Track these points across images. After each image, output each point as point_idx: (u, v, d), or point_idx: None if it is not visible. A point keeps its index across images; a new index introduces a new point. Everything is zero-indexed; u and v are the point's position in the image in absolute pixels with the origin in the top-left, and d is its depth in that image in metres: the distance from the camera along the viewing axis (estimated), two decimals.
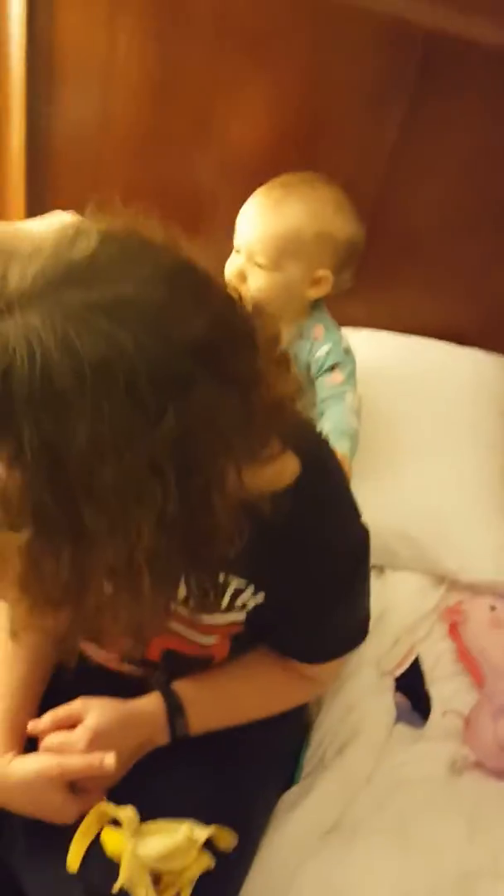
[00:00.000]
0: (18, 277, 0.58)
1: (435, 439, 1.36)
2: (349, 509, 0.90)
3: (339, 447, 1.13)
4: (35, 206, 1.33)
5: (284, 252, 1.10)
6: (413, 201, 1.35)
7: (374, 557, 1.31)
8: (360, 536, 0.91)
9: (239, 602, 0.89)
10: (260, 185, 1.32)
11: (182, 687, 0.93)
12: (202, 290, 0.63)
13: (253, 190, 1.32)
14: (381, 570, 1.33)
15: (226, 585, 0.86)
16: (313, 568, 0.85)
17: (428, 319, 1.52)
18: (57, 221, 1.01)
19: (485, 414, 1.41)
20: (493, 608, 1.24)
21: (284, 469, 0.79)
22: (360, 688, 1.17)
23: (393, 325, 1.52)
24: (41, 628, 0.71)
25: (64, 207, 1.35)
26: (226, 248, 1.39)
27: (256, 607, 0.89)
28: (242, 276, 1.14)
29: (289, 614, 0.89)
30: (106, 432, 0.56)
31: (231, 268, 1.15)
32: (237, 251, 1.15)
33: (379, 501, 1.28)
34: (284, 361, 0.74)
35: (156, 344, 0.57)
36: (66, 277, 0.58)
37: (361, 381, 1.42)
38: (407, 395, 1.40)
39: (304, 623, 0.90)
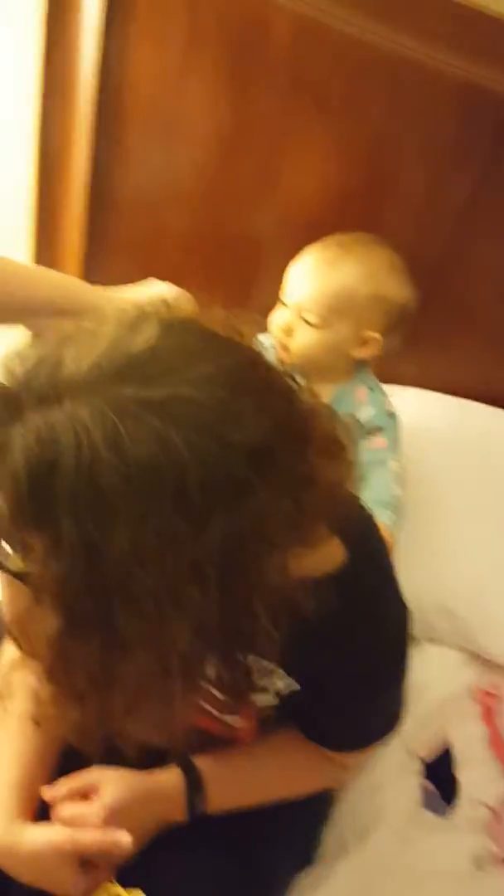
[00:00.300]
0: (73, 366, 0.56)
1: (480, 510, 1.32)
2: (393, 598, 0.86)
3: (383, 518, 1.10)
4: (94, 250, 1.33)
5: (336, 310, 1.09)
6: (474, 268, 1.32)
7: (413, 629, 1.28)
8: (402, 627, 0.87)
9: (270, 685, 0.86)
10: (319, 238, 1.30)
11: (203, 763, 0.90)
12: (264, 393, 0.60)
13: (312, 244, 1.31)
14: (416, 641, 1.29)
15: (260, 671, 0.83)
16: (353, 660, 0.81)
17: (479, 384, 1.48)
18: (154, 290, 1.03)
19: None
20: None
21: (330, 555, 0.76)
22: (386, 767, 1.13)
23: (444, 387, 1.49)
24: (63, 719, 0.68)
25: (123, 252, 1.35)
26: (274, 302, 1.38)
27: (291, 693, 0.86)
28: (289, 331, 1.12)
29: (323, 703, 0.86)
30: (148, 537, 0.54)
31: (278, 322, 1.13)
32: (285, 306, 1.14)
33: (419, 572, 1.25)
34: (339, 449, 0.71)
35: (210, 448, 0.55)
36: (122, 370, 0.56)
37: (407, 442, 1.39)
38: (453, 461, 1.37)
39: (338, 712, 0.87)
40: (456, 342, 1.44)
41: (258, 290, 1.37)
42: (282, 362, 1.15)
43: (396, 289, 1.11)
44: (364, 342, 1.12)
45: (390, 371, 1.49)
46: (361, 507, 0.90)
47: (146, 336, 0.58)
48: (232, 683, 0.73)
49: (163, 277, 1.39)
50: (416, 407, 1.45)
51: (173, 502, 0.54)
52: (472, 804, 1.12)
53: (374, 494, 1.12)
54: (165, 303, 0.66)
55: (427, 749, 1.16)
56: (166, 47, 1.13)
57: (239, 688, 0.74)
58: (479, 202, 1.23)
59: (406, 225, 1.29)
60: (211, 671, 0.72)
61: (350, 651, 0.81)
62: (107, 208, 1.28)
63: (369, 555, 0.83)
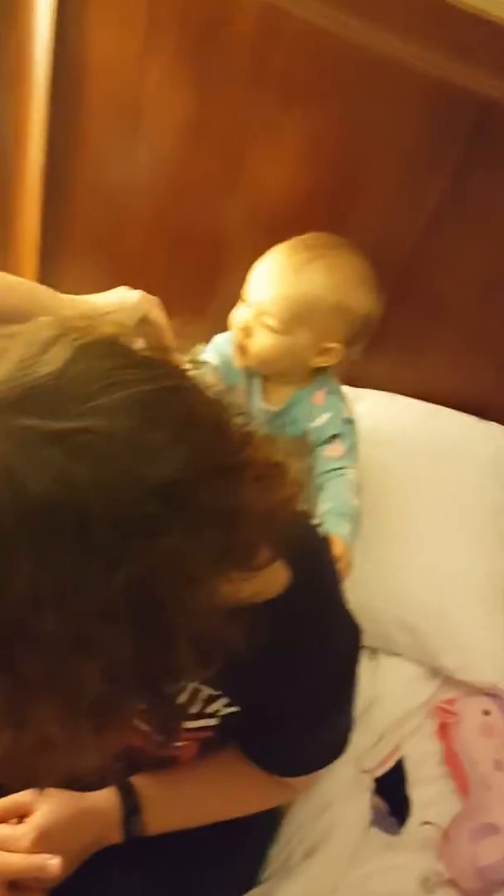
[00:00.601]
0: None
1: (446, 521, 1.29)
2: (338, 621, 0.84)
3: (340, 530, 1.07)
4: (51, 243, 1.27)
5: (297, 317, 1.04)
6: (446, 270, 1.27)
7: (369, 640, 1.26)
8: (347, 651, 0.85)
9: (211, 709, 0.83)
10: (286, 236, 1.26)
11: (142, 783, 0.88)
12: (184, 422, 0.56)
13: (279, 240, 1.26)
14: (374, 652, 1.27)
15: (195, 695, 0.81)
16: (295, 686, 0.79)
17: (451, 388, 1.45)
18: (120, 297, 0.98)
19: (501, 498, 1.33)
20: (486, 712, 1.17)
21: (272, 580, 0.73)
22: (336, 785, 1.11)
23: (415, 390, 1.45)
24: None
25: (81, 245, 1.30)
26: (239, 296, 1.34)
27: (230, 715, 0.83)
28: (248, 332, 1.08)
29: (264, 727, 0.84)
30: (49, 579, 0.50)
31: (237, 321, 1.10)
32: (246, 304, 1.09)
33: (380, 583, 1.24)
34: (277, 475, 0.67)
35: (118, 484, 0.51)
36: (25, 398, 0.51)
37: (374, 447, 1.36)
38: (421, 468, 1.33)
39: (280, 738, 0.85)
40: (427, 344, 1.40)
41: (223, 284, 1.32)
42: (239, 362, 1.12)
43: (362, 300, 1.06)
44: (324, 352, 1.08)
45: (361, 373, 1.45)
46: (310, 527, 0.87)
47: (56, 359, 0.53)
48: (159, 719, 0.70)
49: (125, 271, 1.35)
50: (384, 411, 1.42)
51: (77, 543, 0.50)
52: (424, 825, 1.10)
53: (332, 505, 1.09)
54: (90, 319, 0.62)
55: (379, 765, 1.14)
56: (125, 33, 1.07)
57: (167, 724, 0.71)
58: (453, 201, 1.18)
59: (376, 222, 1.23)
60: (139, 705, 0.69)
61: (292, 677, 0.78)
62: (64, 200, 1.23)
63: (315, 577, 0.80)
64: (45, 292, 0.95)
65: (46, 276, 1.31)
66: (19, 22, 1.07)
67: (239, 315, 1.10)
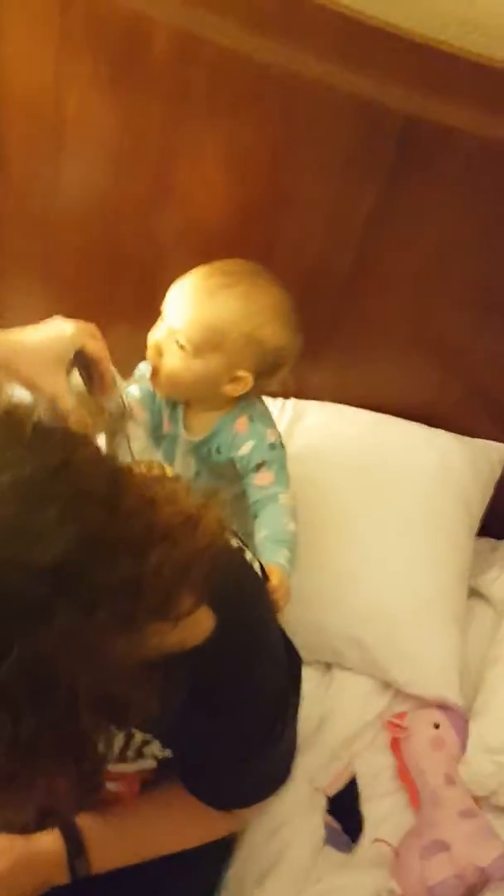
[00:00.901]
0: None
1: (392, 533, 1.28)
2: (266, 661, 0.84)
3: (278, 558, 1.06)
4: None
5: (208, 342, 1.03)
6: (386, 277, 1.26)
7: (321, 655, 1.27)
8: (276, 688, 0.85)
9: (147, 752, 0.84)
10: (221, 254, 1.25)
11: (86, 824, 0.89)
12: (71, 501, 0.55)
13: (214, 258, 1.25)
14: (327, 667, 1.28)
15: (129, 739, 0.81)
16: (224, 729, 0.80)
17: (397, 395, 1.44)
18: (55, 330, 0.95)
19: (448, 507, 1.33)
20: (436, 725, 1.18)
21: (197, 626, 0.73)
22: (289, 805, 1.13)
23: (362, 399, 1.45)
24: None
25: (12, 272, 1.28)
26: None
27: (166, 758, 0.83)
28: (160, 351, 1.07)
29: (201, 766, 0.84)
30: None
31: (151, 340, 1.08)
32: (163, 320, 1.09)
33: (328, 598, 1.25)
34: (190, 526, 0.67)
35: (4, 570, 0.51)
36: None
37: (321, 458, 1.36)
38: (367, 479, 1.33)
39: (218, 775, 0.86)
40: (371, 353, 1.40)
41: (162, 303, 1.32)
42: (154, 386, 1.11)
43: (276, 333, 1.05)
44: (235, 379, 1.07)
45: (308, 384, 1.45)
46: (235, 563, 0.86)
47: None
48: (78, 777, 0.70)
49: (58, 295, 1.34)
50: (330, 424, 1.42)
51: None
52: (376, 843, 1.11)
53: (268, 532, 1.09)
54: None
55: (332, 783, 1.14)
56: (38, 62, 1.05)
57: (87, 784, 0.70)
58: (385, 215, 1.16)
59: (310, 238, 1.22)
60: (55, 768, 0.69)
61: (220, 720, 0.79)
62: None
63: (240, 619, 0.80)
64: None
65: None
66: None
67: (154, 334, 1.09)
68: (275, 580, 1.00)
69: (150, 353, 1.07)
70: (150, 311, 1.34)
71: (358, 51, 1.00)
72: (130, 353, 1.39)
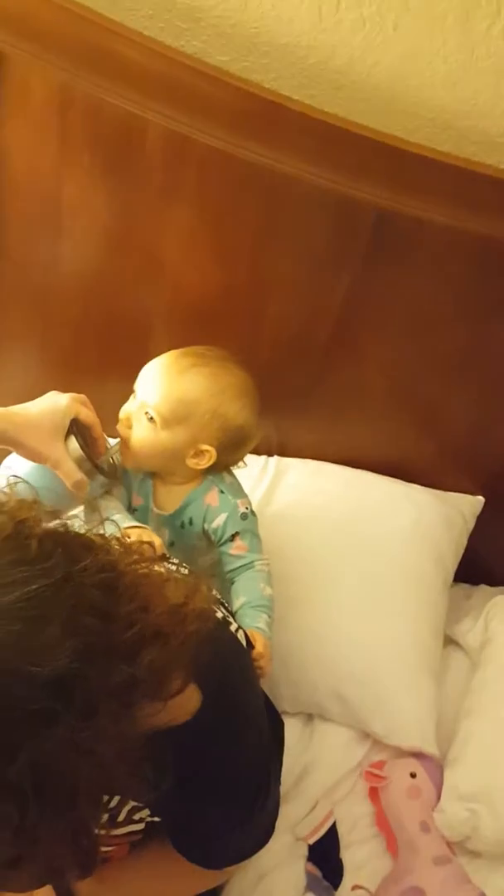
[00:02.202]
0: None
1: (371, 588, 1.35)
2: (251, 733, 0.89)
3: (258, 623, 1.12)
4: None
5: (176, 415, 1.10)
6: (362, 349, 1.34)
7: (303, 707, 1.32)
8: (260, 758, 0.90)
9: (136, 817, 0.88)
10: (208, 327, 1.32)
11: (78, 883, 0.93)
12: (71, 614, 0.61)
13: (202, 330, 1.33)
14: (309, 717, 1.33)
15: (122, 804, 0.86)
16: (210, 799, 0.85)
17: (374, 453, 1.52)
18: (51, 402, 1.04)
19: (424, 561, 1.40)
20: (413, 775, 1.24)
21: (185, 703, 0.78)
22: (272, 854, 1.17)
23: (341, 456, 1.52)
24: None
25: (10, 341, 1.35)
26: None
27: (154, 822, 0.88)
28: (129, 423, 1.13)
29: (187, 830, 0.89)
30: None
31: (121, 413, 1.15)
32: (134, 396, 1.15)
33: (309, 653, 1.30)
34: (180, 619, 0.72)
35: (7, 685, 0.56)
36: None
37: (301, 516, 1.43)
38: (346, 536, 1.40)
39: (204, 838, 0.90)
40: (348, 415, 1.47)
41: None
42: (123, 459, 1.15)
43: (239, 412, 1.12)
44: (198, 453, 1.13)
45: (290, 441, 1.52)
46: (219, 636, 0.90)
47: None
48: (76, 858, 0.74)
49: (55, 363, 1.40)
50: (310, 482, 1.49)
51: None
52: (355, 890, 1.16)
53: (247, 599, 1.14)
54: None
55: (313, 832, 1.20)
56: (39, 154, 1.13)
57: (85, 859, 0.75)
58: (360, 297, 1.25)
59: (290, 315, 1.30)
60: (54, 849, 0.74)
61: (207, 791, 0.84)
62: None
63: (225, 692, 0.85)
64: None
65: None
66: None
67: (126, 406, 1.15)
68: (259, 647, 1.05)
69: (120, 425, 1.13)
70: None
71: (335, 151, 1.08)
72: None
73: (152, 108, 1.07)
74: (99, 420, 1.10)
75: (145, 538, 1.02)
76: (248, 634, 1.05)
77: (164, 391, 1.10)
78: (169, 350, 1.16)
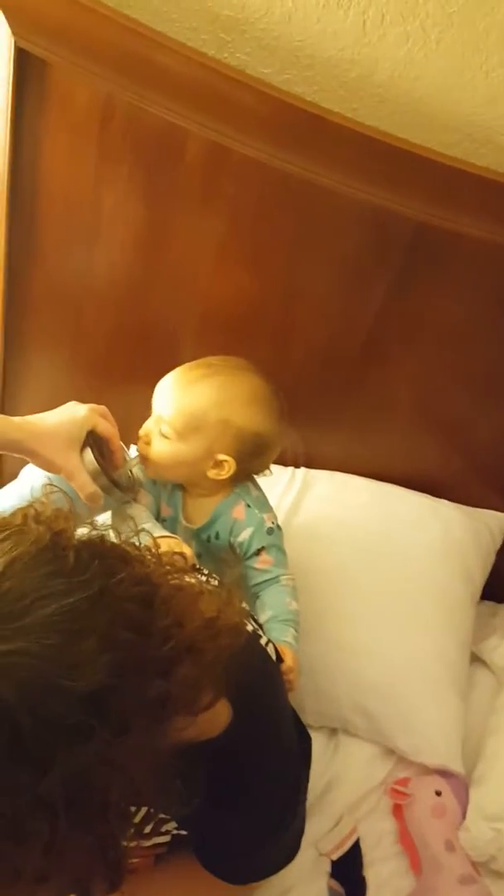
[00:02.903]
0: None
1: (397, 603, 1.34)
2: (280, 750, 0.89)
3: (286, 637, 1.11)
4: (12, 346, 1.33)
5: (188, 427, 1.10)
6: (393, 362, 1.34)
7: (327, 721, 1.31)
8: (288, 774, 0.90)
9: (163, 829, 0.88)
10: (238, 336, 1.33)
11: None
12: (108, 629, 0.60)
13: (232, 339, 1.33)
14: (333, 731, 1.32)
15: (149, 816, 0.85)
16: (238, 816, 0.84)
17: (402, 467, 1.51)
18: (69, 413, 1.04)
19: (451, 578, 1.39)
20: (438, 793, 1.23)
21: (215, 718, 0.78)
22: (295, 869, 1.15)
23: (368, 469, 1.52)
24: None
25: (43, 347, 1.36)
26: None
27: (180, 835, 0.88)
28: (147, 439, 1.13)
29: (214, 846, 0.89)
30: None
31: (142, 429, 1.15)
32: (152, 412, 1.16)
33: (335, 667, 1.29)
34: (213, 633, 0.71)
35: (43, 700, 0.55)
36: None
37: (328, 529, 1.42)
38: (373, 550, 1.39)
39: (230, 854, 0.90)
40: (377, 428, 1.47)
41: None
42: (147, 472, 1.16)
43: (251, 419, 1.10)
44: (218, 464, 1.12)
45: (318, 453, 1.52)
46: (250, 649, 0.90)
47: None
48: (104, 871, 0.74)
49: (87, 371, 1.41)
50: (338, 494, 1.48)
51: (9, 755, 0.54)
52: None
53: (273, 613, 1.14)
54: (29, 515, 0.66)
55: (336, 848, 1.19)
56: (78, 162, 1.13)
57: (112, 873, 0.74)
58: (393, 311, 1.25)
59: (321, 328, 1.30)
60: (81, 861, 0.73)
61: (235, 808, 0.83)
62: (23, 308, 1.28)
63: (257, 707, 0.85)
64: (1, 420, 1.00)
65: (8, 375, 1.36)
66: None
67: (143, 426, 1.15)
68: (288, 660, 1.05)
69: (140, 441, 1.14)
70: None
71: (374, 164, 1.09)
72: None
73: (193, 119, 1.07)
74: (118, 432, 1.10)
75: (176, 548, 1.02)
76: (278, 648, 1.04)
77: (175, 404, 1.10)
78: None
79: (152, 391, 1.43)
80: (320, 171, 1.09)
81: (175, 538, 1.12)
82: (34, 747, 0.55)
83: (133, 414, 1.37)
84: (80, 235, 1.21)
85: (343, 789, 1.26)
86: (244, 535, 1.16)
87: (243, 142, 1.08)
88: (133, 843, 0.86)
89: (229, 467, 1.12)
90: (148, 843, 0.89)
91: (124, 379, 1.39)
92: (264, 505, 1.21)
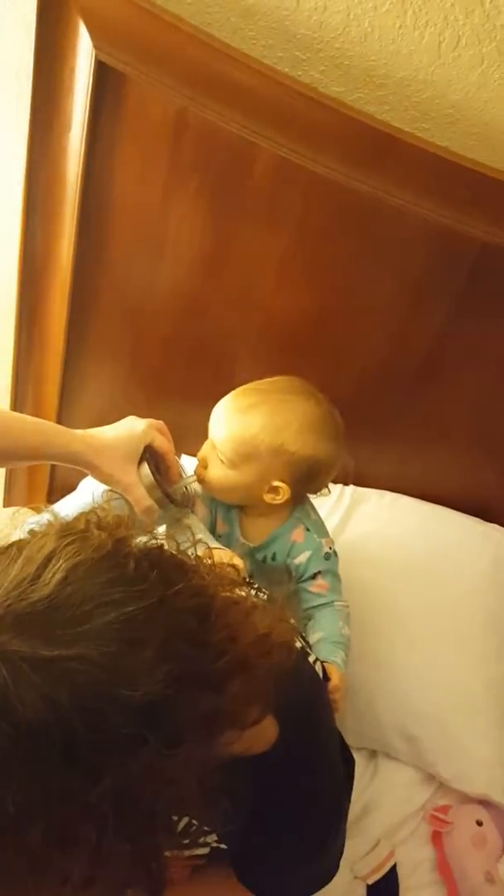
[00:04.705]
0: None
1: (445, 628, 1.33)
2: (325, 769, 0.88)
3: (335, 658, 1.11)
4: (74, 356, 1.35)
5: (241, 455, 1.09)
6: (449, 385, 1.34)
7: (368, 743, 1.30)
8: (332, 796, 0.89)
9: (202, 840, 0.87)
10: (294, 353, 1.33)
11: None
12: (166, 638, 0.60)
13: (287, 356, 1.34)
14: (373, 753, 1.31)
15: (189, 827, 0.85)
16: (281, 833, 0.84)
17: (452, 489, 1.51)
18: (128, 427, 1.06)
19: (501, 606, 1.37)
20: (479, 823, 1.21)
21: (262, 734, 0.77)
22: (330, 891, 1.12)
23: (420, 487, 1.51)
24: None
25: (103, 357, 1.38)
26: None
27: (219, 847, 0.87)
28: (204, 463, 1.14)
29: (253, 863, 0.88)
30: (38, 794, 0.54)
31: (200, 453, 1.16)
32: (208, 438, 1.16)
33: (379, 690, 1.28)
34: (264, 650, 0.70)
35: (99, 708, 0.55)
36: (18, 623, 0.56)
37: (377, 549, 1.41)
38: (421, 572, 1.38)
39: (273, 874, 0.89)
40: (429, 448, 1.46)
41: None
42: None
43: (304, 445, 1.09)
44: (273, 489, 1.11)
45: (368, 471, 1.51)
46: (299, 671, 0.89)
47: (49, 581, 0.58)
48: (145, 882, 0.73)
49: (144, 379, 1.42)
50: (387, 514, 1.47)
51: (63, 761, 0.54)
52: None
53: (324, 634, 1.14)
54: (92, 522, 0.66)
55: (373, 872, 1.17)
56: (149, 175, 1.15)
57: (153, 884, 0.74)
58: (453, 331, 1.25)
59: (380, 346, 1.30)
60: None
61: (278, 826, 0.83)
62: (88, 318, 1.30)
63: (304, 725, 0.85)
64: (53, 429, 1.02)
65: (70, 384, 1.38)
66: (50, 159, 1.15)
67: (200, 451, 1.16)
68: (335, 679, 1.04)
69: (198, 465, 1.14)
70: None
71: (444, 184, 1.08)
72: (203, 437, 1.48)
73: (264, 135, 1.08)
74: (174, 448, 1.11)
75: (226, 560, 1.02)
76: (325, 667, 1.03)
77: (227, 431, 1.10)
78: (254, 376, 1.17)
79: (206, 404, 1.44)
80: (389, 190, 1.09)
81: (227, 550, 1.13)
82: (87, 755, 0.54)
83: (187, 426, 1.38)
84: (146, 247, 1.23)
85: (381, 812, 1.24)
86: (301, 558, 1.16)
87: (313, 159, 1.08)
88: (175, 853, 0.86)
89: (284, 493, 1.12)
90: (186, 853, 0.88)
91: (179, 391, 1.40)
92: (323, 529, 1.20)
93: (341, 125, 1.05)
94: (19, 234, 1.22)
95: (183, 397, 1.39)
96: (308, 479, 1.14)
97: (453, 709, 1.27)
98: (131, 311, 1.31)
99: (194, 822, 0.83)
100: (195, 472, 1.15)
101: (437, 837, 1.22)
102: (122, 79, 1.07)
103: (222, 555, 1.09)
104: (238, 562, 1.06)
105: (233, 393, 1.14)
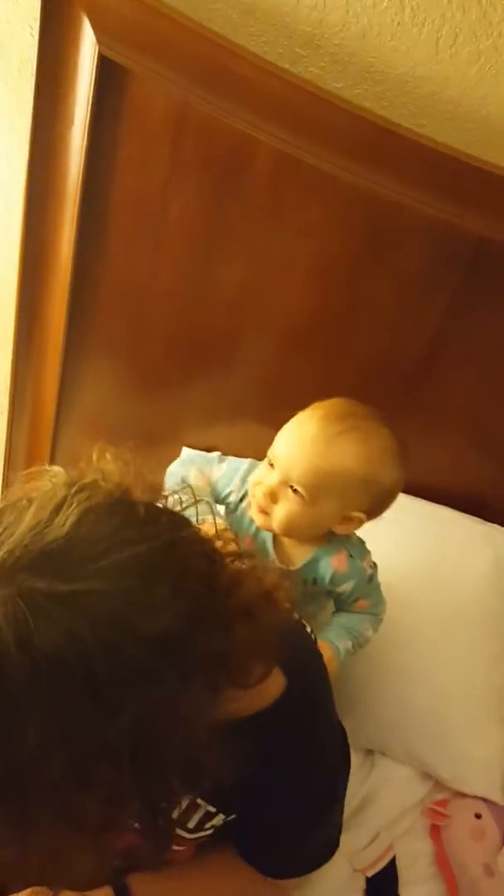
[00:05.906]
0: None
1: (446, 629, 1.33)
2: (326, 733, 0.89)
3: (339, 643, 1.12)
4: (74, 348, 1.35)
5: (326, 488, 1.02)
6: (447, 382, 1.35)
7: (367, 743, 1.30)
8: (334, 756, 0.90)
9: (208, 825, 0.88)
10: (293, 348, 1.34)
11: (137, 884, 0.92)
12: (179, 578, 0.62)
13: (286, 351, 1.34)
14: (369, 752, 1.30)
15: (194, 809, 0.85)
16: (284, 798, 0.85)
17: (451, 485, 1.51)
18: None
19: (501, 607, 1.37)
20: (478, 816, 1.21)
21: (266, 690, 0.78)
22: (329, 884, 1.14)
23: (417, 485, 1.51)
24: None
25: (103, 350, 1.39)
26: (250, 400, 1.40)
27: (224, 824, 0.88)
28: (274, 498, 1.04)
29: (256, 834, 0.89)
30: (57, 729, 0.56)
31: (263, 485, 1.05)
32: (271, 464, 1.05)
33: (378, 690, 1.29)
34: (267, 602, 0.73)
35: (118, 640, 0.57)
36: (35, 562, 0.57)
37: (378, 548, 1.40)
38: (422, 572, 1.38)
39: (272, 844, 0.90)
40: (428, 443, 1.46)
41: (233, 389, 1.41)
42: (257, 521, 1.09)
43: (390, 473, 1.05)
44: (346, 519, 1.06)
45: None
46: (303, 634, 0.91)
47: (64, 524, 0.60)
48: (153, 831, 0.74)
49: (144, 371, 1.43)
50: (388, 513, 1.47)
51: (83, 693, 0.56)
52: None
53: (346, 622, 1.14)
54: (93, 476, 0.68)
55: (372, 865, 1.17)
56: (150, 169, 1.16)
57: (161, 836, 0.75)
58: (453, 325, 1.26)
59: (380, 341, 1.31)
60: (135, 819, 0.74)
61: (281, 789, 0.84)
62: (87, 311, 1.31)
63: (305, 686, 0.85)
64: None
65: (69, 379, 1.39)
66: (54, 157, 1.16)
67: (265, 478, 1.05)
68: (325, 654, 1.03)
69: (262, 498, 1.05)
70: (221, 396, 1.44)
71: (442, 179, 1.10)
72: (202, 431, 1.48)
73: (265, 129, 1.10)
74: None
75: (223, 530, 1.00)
76: (318, 644, 1.03)
77: (314, 464, 1.01)
78: (254, 371, 1.17)
79: (204, 396, 1.45)
80: (388, 185, 1.11)
81: (223, 524, 1.11)
82: (106, 688, 0.56)
83: (184, 416, 1.39)
84: (147, 240, 1.24)
85: (380, 805, 1.24)
86: (346, 587, 1.13)
87: (314, 153, 1.10)
88: (182, 834, 0.87)
89: (360, 522, 1.07)
90: (193, 837, 0.88)
91: (178, 382, 1.41)
92: (363, 550, 1.16)
93: (341, 119, 1.07)
94: (20, 228, 1.23)
95: (182, 388, 1.40)
96: (382, 507, 1.09)
97: (452, 710, 1.27)
98: (132, 303, 1.32)
99: (199, 802, 0.84)
100: (259, 504, 1.05)
101: (435, 831, 1.22)
102: (125, 73, 1.08)
103: (220, 523, 1.08)
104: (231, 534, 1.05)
105: (307, 420, 1.04)
